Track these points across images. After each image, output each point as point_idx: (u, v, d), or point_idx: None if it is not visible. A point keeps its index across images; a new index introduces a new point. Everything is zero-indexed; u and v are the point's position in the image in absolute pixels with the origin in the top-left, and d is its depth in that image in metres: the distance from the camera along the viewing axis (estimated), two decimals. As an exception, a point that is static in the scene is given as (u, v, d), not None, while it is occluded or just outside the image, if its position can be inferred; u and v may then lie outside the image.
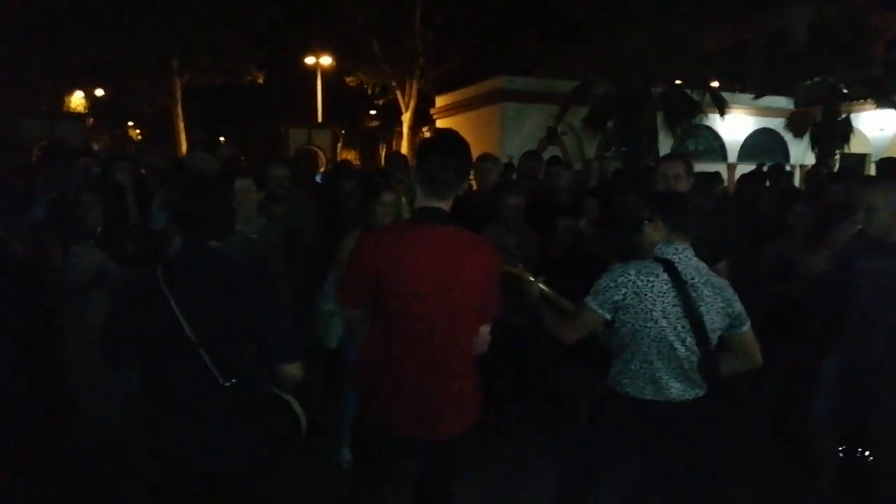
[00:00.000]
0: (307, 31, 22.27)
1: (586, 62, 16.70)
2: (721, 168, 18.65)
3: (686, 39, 14.66)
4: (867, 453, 3.43)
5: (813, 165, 14.51)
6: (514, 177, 6.26)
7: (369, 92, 24.30)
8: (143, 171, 7.05)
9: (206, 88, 22.28)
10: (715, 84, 16.88)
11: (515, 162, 6.97)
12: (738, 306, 2.49)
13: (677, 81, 15.50)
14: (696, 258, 2.50)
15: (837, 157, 17.88)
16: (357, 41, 21.81)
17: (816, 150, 17.93)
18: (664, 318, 2.40)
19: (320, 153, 18.96)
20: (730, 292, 2.48)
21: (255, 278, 2.18)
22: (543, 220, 4.32)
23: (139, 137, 29.90)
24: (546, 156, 6.19)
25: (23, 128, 17.48)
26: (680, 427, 2.50)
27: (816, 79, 18.01)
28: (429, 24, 21.62)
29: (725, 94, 16.67)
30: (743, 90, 20.04)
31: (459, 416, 2.30)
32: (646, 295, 2.41)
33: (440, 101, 23.41)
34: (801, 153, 20.50)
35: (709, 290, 2.43)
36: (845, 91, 17.94)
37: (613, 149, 16.63)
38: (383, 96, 24.39)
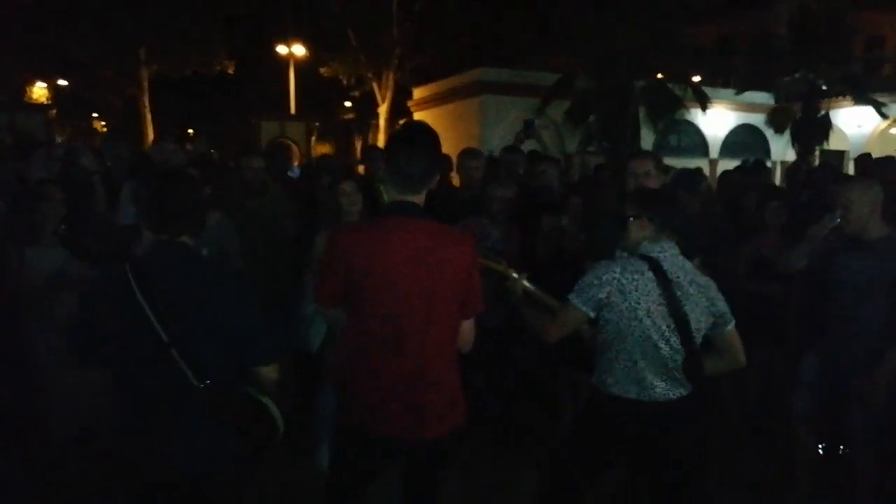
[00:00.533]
0: (280, 20, 21.61)
1: (568, 55, 16.41)
2: (703, 164, 18.55)
3: (671, 34, 14.51)
4: (847, 450, 3.36)
5: (793, 162, 14.44)
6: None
7: (344, 83, 23.75)
8: (108, 163, 6.63)
9: (176, 80, 21.59)
10: (697, 79, 16.76)
11: (497, 155, 6.73)
12: (723, 305, 2.48)
13: (660, 76, 15.35)
14: (682, 256, 2.48)
15: (817, 153, 17.93)
16: (332, 30, 21.21)
17: (796, 146, 17.99)
18: (648, 316, 2.38)
19: (294, 146, 18.40)
20: (714, 291, 2.48)
21: (229, 276, 2.17)
22: (527, 217, 4.27)
23: (104, 130, 28.97)
24: (524, 149, 6.01)
25: (-17, 119, 16.77)
26: (665, 427, 2.48)
27: (797, 75, 18.02)
28: (406, 13, 21.09)
29: (707, 90, 16.58)
30: (726, 85, 19.93)
31: (442, 416, 2.23)
32: (630, 293, 2.38)
33: (418, 94, 22.96)
34: (781, 149, 20.53)
35: (694, 289, 2.41)
36: (824, 88, 18.02)
37: (595, 143, 16.43)
38: (359, 88, 23.86)
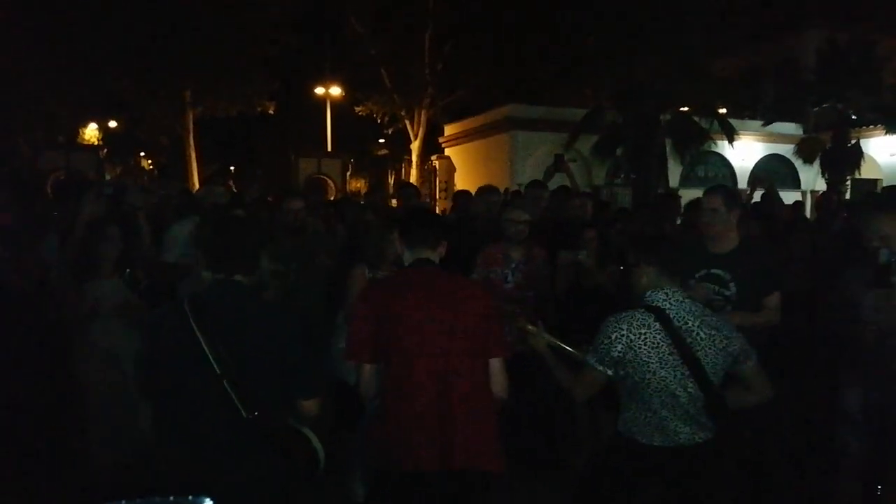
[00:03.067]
0: (317, 61, 22.53)
1: (595, 89, 16.78)
2: (731, 194, 18.52)
3: (697, 66, 14.73)
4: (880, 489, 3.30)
5: (822, 192, 14.43)
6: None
7: (378, 121, 24.49)
8: (154, 200, 7.08)
9: (218, 119, 22.51)
10: (723, 111, 16.91)
11: (522, 191, 7.04)
12: (740, 342, 2.46)
13: (685, 108, 15.56)
14: (689, 300, 2.48)
15: (848, 182, 17.81)
16: (367, 71, 22.02)
17: (827, 176, 17.88)
18: (662, 367, 2.38)
19: (330, 182, 19.07)
20: (728, 329, 2.47)
21: (281, 314, 2.29)
22: (547, 252, 4.33)
23: (151, 168, 30.20)
24: (554, 183, 6.17)
25: (40, 159, 17.73)
26: (693, 471, 2.46)
27: (825, 105, 18.04)
28: (438, 53, 21.83)
29: (734, 121, 16.69)
30: (752, 116, 20.03)
31: (472, 452, 2.35)
32: (640, 348, 2.39)
33: (449, 130, 23.55)
34: (811, 179, 20.41)
35: (705, 332, 2.40)
36: (854, 117, 17.96)
37: (623, 176, 16.66)
38: (392, 125, 24.57)
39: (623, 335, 2.41)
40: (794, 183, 20.87)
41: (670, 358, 2.37)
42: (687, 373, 2.37)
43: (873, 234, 3.05)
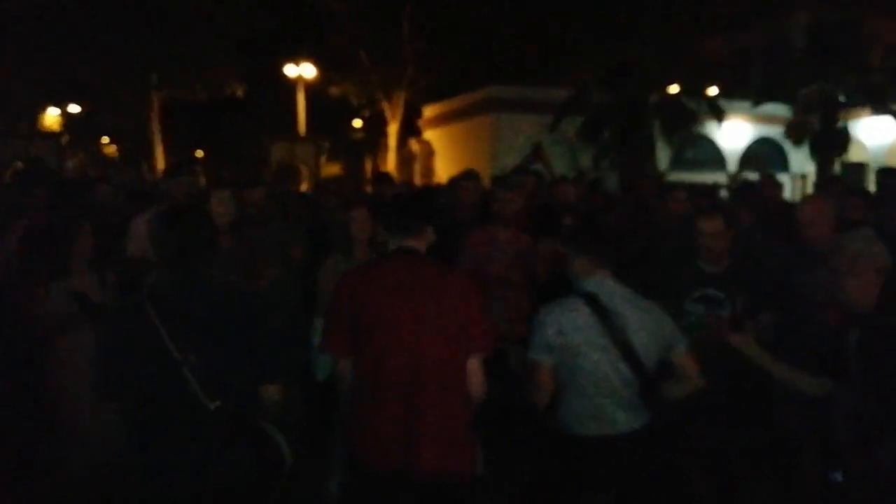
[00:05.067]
0: (291, 43, 21.64)
1: (580, 70, 16.25)
2: (721, 178, 18.21)
3: (685, 47, 14.38)
4: None
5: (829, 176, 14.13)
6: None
7: (354, 103, 23.71)
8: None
9: (186, 103, 21.65)
10: (713, 91, 16.54)
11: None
12: (671, 326, 2.56)
13: (674, 89, 15.16)
14: (620, 286, 2.55)
15: (837, 165, 17.60)
16: (343, 50, 21.19)
17: (816, 158, 17.64)
18: (593, 350, 2.44)
19: (303, 168, 18.30)
20: (659, 313, 2.56)
21: (239, 296, 2.26)
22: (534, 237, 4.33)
23: (116, 154, 29.15)
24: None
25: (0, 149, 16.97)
26: (635, 457, 2.49)
27: (814, 86, 17.73)
28: (417, 32, 21.05)
29: (723, 102, 16.33)
30: (742, 97, 19.65)
31: (439, 455, 2.26)
32: (570, 331, 2.45)
33: (428, 112, 22.86)
34: (801, 162, 20.10)
35: (636, 316, 2.48)
36: (843, 99, 17.70)
37: (609, 159, 16.20)
38: (369, 107, 23.81)
39: (554, 319, 2.47)
40: (784, 165, 20.55)
41: (601, 340, 2.44)
42: (619, 355, 2.43)
43: None
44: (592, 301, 2.48)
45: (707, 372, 2.96)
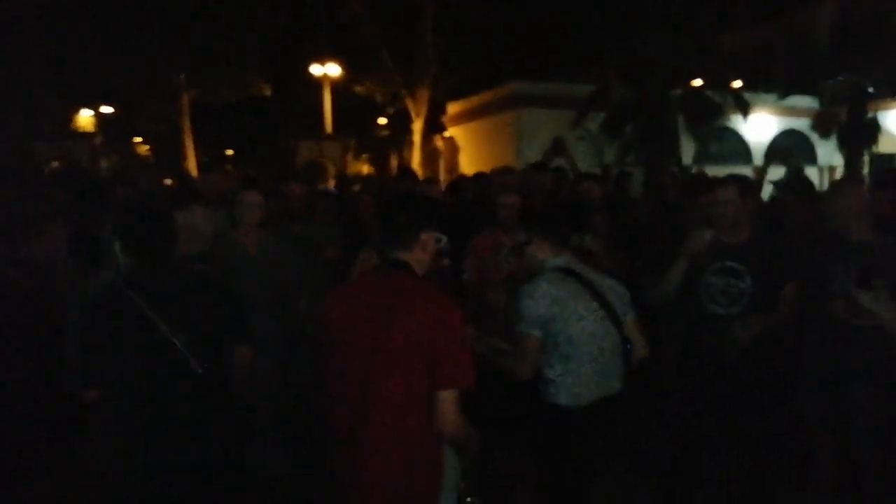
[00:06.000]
0: (314, 42, 21.94)
1: (603, 66, 16.25)
2: (746, 171, 18.10)
3: (708, 41, 14.28)
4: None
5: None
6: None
7: (379, 101, 23.94)
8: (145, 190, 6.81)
9: (215, 104, 22.08)
10: (738, 84, 16.41)
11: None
12: (627, 297, 2.70)
13: (698, 83, 15.08)
14: (580, 263, 2.69)
15: (866, 157, 17.38)
16: (367, 50, 21.44)
17: (844, 150, 17.45)
18: (588, 313, 2.53)
19: (329, 165, 18.61)
20: (616, 283, 2.70)
21: (205, 279, 2.63)
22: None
23: (148, 154, 29.79)
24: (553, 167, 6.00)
25: (35, 150, 17.53)
26: (618, 418, 2.68)
27: (840, 78, 17.53)
28: (440, 31, 21.20)
29: (748, 95, 16.22)
30: (767, 90, 19.46)
31: (391, 498, 1.99)
32: (564, 299, 2.51)
33: (452, 109, 22.99)
34: (828, 154, 19.88)
35: (606, 283, 2.65)
36: (871, 90, 17.47)
37: (633, 154, 16.19)
38: (393, 105, 24.02)
39: (545, 292, 2.51)
40: (811, 158, 20.33)
41: (592, 305, 2.55)
42: (607, 317, 2.56)
43: None
44: (571, 272, 2.58)
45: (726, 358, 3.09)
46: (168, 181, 6.58)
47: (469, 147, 21.43)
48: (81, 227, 4.07)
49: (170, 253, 2.42)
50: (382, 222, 2.23)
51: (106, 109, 24.25)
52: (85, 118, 24.88)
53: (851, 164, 16.68)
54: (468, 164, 20.11)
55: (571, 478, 2.66)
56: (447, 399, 1.96)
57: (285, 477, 3.59)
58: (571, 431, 2.59)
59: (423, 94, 22.01)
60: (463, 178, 6.60)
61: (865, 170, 16.97)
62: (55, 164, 16.84)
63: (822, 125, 18.12)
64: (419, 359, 1.94)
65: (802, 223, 4.55)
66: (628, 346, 2.61)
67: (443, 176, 21.05)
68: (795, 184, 6.36)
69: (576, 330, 2.50)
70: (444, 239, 2.18)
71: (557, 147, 6.77)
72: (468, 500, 2.21)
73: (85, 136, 21.76)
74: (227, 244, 3.54)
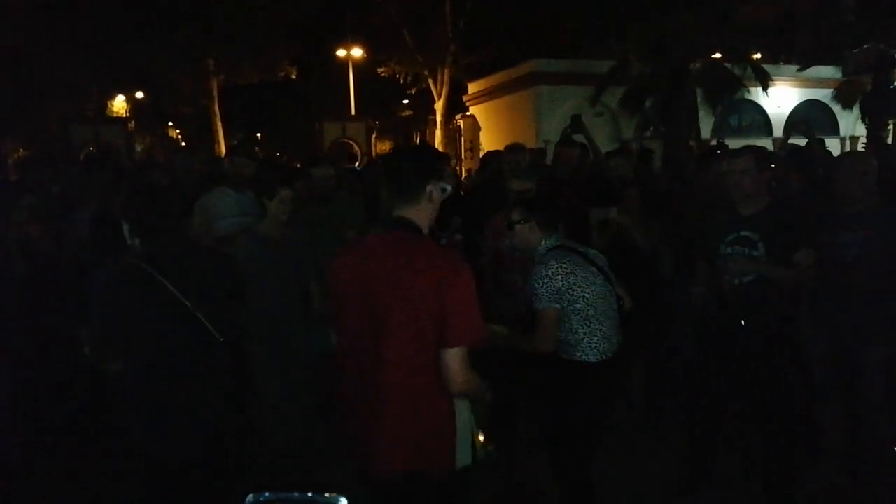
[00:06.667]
0: (338, 24, 22.30)
1: (622, 41, 16.31)
2: (767, 143, 18.08)
3: (726, 11, 14.17)
4: None
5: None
6: (548, 161, 6.20)
7: (401, 82, 24.25)
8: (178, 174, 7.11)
9: (243, 87, 22.57)
10: (757, 56, 16.27)
11: (551, 147, 6.89)
12: (605, 259, 3.01)
13: (717, 55, 15.03)
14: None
15: (890, 127, 17.14)
16: (388, 31, 21.74)
17: (867, 121, 17.23)
18: (597, 279, 2.82)
19: (354, 145, 19.06)
20: (594, 250, 3.03)
21: (216, 253, 2.87)
22: (577, 210, 4.29)
23: (179, 137, 30.56)
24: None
25: (70, 132, 18.17)
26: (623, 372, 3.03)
27: (865, 46, 17.25)
28: (460, 10, 21.39)
29: (768, 67, 16.12)
30: (788, 61, 19.27)
31: (408, 457, 2.02)
32: (576, 270, 2.77)
33: (473, 88, 23.21)
34: (850, 125, 19.70)
35: (590, 252, 2.95)
36: (896, 57, 17.16)
37: (652, 129, 16.28)
38: (415, 85, 24.31)
39: (559, 268, 2.74)
40: (833, 129, 20.17)
41: (593, 269, 2.84)
42: (607, 281, 2.86)
43: None
44: (571, 247, 2.88)
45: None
46: (197, 165, 6.72)
47: (490, 125, 21.68)
48: (105, 211, 4.22)
49: (173, 229, 2.55)
50: (388, 178, 2.16)
51: (139, 95, 24.98)
52: (119, 103, 25.64)
53: (874, 133, 16.50)
54: (489, 143, 20.40)
55: (587, 428, 2.90)
56: (455, 356, 1.97)
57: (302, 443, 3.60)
58: (596, 383, 2.84)
59: (445, 75, 22.28)
60: (493, 153, 6.69)
61: (889, 139, 16.80)
62: (91, 148, 17.47)
63: (845, 95, 17.90)
64: (428, 317, 1.95)
65: (798, 195, 4.58)
66: (621, 303, 2.92)
67: (464, 154, 21.33)
68: (796, 156, 6.52)
69: (591, 293, 2.76)
70: (449, 188, 2.17)
71: (575, 124, 6.73)
72: (485, 449, 2.20)
73: (119, 120, 22.39)
74: (252, 238, 3.53)
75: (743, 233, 3.16)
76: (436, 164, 2.16)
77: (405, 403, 2.00)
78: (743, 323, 3.13)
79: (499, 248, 3.93)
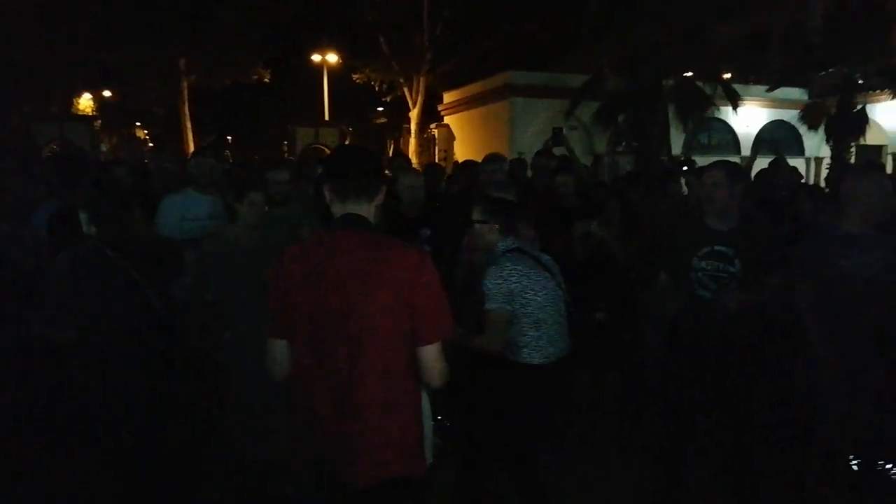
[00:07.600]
0: (314, 29, 22.13)
1: (596, 56, 16.46)
2: (735, 160, 18.33)
3: (699, 31, 14.39)
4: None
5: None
6: (528, 173, 6.19)
7: (377, 89, 24.16)
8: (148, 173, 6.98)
9: (214, 89, 22.23)
10: (728, 76, 16.58)
11: (528, 157, 6.90)
12: (558, 266, 3.08)
13: (688, 74, 15.26)
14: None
15: (853, 149, 17.57)
16: (364, 37, 21.64)
17: (831, 142, 17.64)
18: (548, 282, 2.90)
19: (326, 150, 18.88)
20: (547, 256, 3.08)
21: (162, 240, 3.54)
22: (553, 222, 4.32)
23: (147, 138, 29.97)
24: (557, 154, 6.08)
25: (33, 130, 17.67)
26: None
27: (831, 69, 17.69)
28: (436, 19, 21.40)
29: (738, 87, 16.43)
30: (757, 82, 19.68)
31: (378, 462, 1.95)
32: (529, 273, 2.85)
33: (448, 97, 23.22)
34: (815, 146, 20.18)
35: (543, 258, 3.02)
36: (861, 81, 17.63)
37: (624, 144, 16.43)
38: (391, 93, 24.24)
39: (510, 270, 2.81)
40: (799, 149, 20.63)
41: (545, 275, 2.91)
42: (557, 286, 2.95)
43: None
44: (523, 251, 2.95)
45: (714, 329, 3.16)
46: (168, 165, 6.61)
47: (464, 136, 21.69)
48: (66, 208, 4.11)
49: (128, 221, 2.97)
50: (342, 176, 2.02)
51: (106, 93, 24.43)
52: (85, 102, 25.06)
53: (838, 155, 16.91)
54: (463, 153, 20.41)
55: (532, 429, 2.97)
56: (432, 351, 1.96)
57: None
58: (542, 385, 2.90)
59: (420, 83, 22.24)
60: (467, 163, 6.63)
61: (852, 160, 17.22)
62: (54, 146, 17.02)
63: (811, 117, 18.30)
64: (401, 314, 1.91)
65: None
66: (571, 310, 3.00)
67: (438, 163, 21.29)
68: (759, 177, 6.60)
69: (542, 297, 2.85)
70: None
71: (557, 137, 6.81)
72: (438, 419, 2.37)
73: (85, 118, 21.87)
74: (219, 243, 3.48)
75: (717, 247, 3.17)
76: (379, 167, 2.17)
77: (386, 404, 1.95)
78: (719, 335, 3.14)
79: (473, 261, 3.80)
